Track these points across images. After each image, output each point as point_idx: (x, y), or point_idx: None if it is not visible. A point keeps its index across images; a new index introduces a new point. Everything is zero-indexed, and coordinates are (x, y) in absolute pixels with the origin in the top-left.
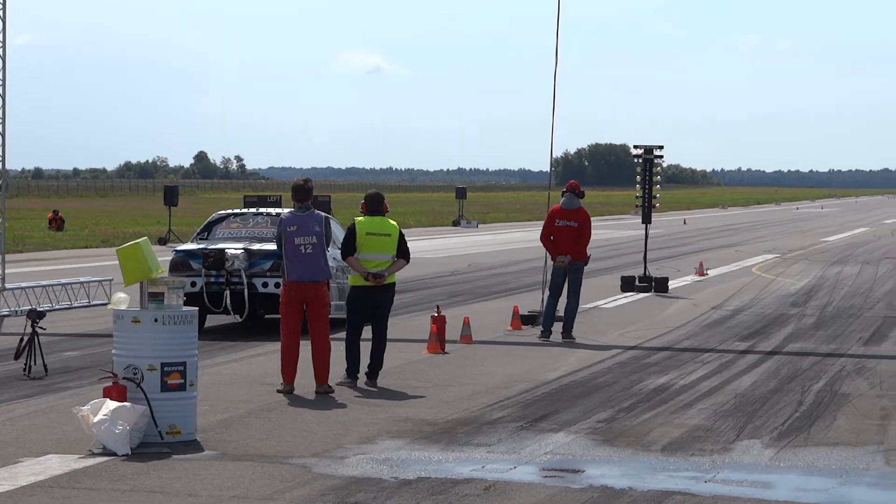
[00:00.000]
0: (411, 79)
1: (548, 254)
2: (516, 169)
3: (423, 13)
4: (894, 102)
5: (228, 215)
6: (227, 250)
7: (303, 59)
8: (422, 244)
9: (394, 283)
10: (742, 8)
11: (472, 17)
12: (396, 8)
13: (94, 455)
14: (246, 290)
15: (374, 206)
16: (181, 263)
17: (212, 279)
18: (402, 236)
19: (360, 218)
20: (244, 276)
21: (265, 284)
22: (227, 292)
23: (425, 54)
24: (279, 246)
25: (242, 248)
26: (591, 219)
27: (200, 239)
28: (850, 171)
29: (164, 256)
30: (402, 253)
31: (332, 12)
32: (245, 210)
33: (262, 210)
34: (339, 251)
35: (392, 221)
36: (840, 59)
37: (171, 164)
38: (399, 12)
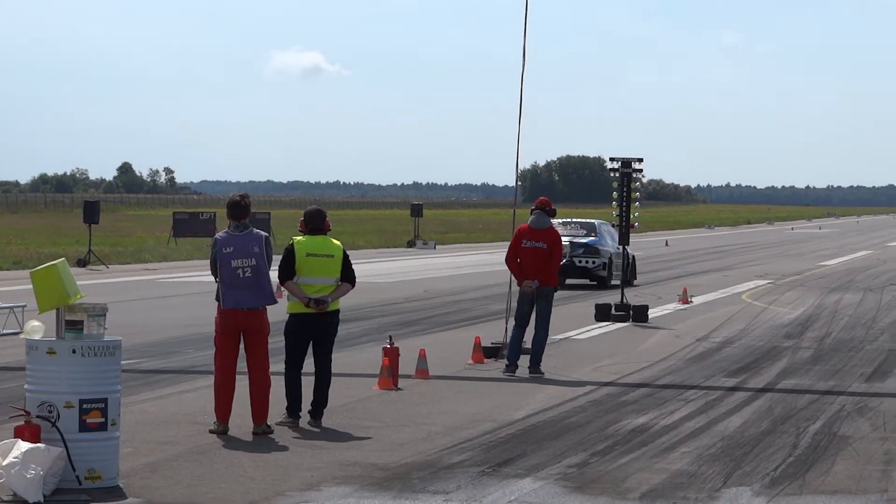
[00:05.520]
0: (357, 81)
1: (513, 278)
2: (478, 184)
3: (368, 5)
4: None
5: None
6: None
7: (232, 59)
8: (372, 267)
9: (338, 311)
10: (719, 4)
11: (426, 12)
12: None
13: (2, 502)
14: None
15: (315, 223)
16: None
17: None
18: (346, 257)
19: (299, 238)
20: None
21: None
22: None
23: (372, 52)
24: (214, 270)
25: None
26: (563, 239)
27: None
28: (850, 187)
29: (83, 280)
30: (347, 276)
31: (259, 3)
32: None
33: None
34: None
35: (335, 241)
36: (837, 61)
37: (92, 176)
38: (339, 3)
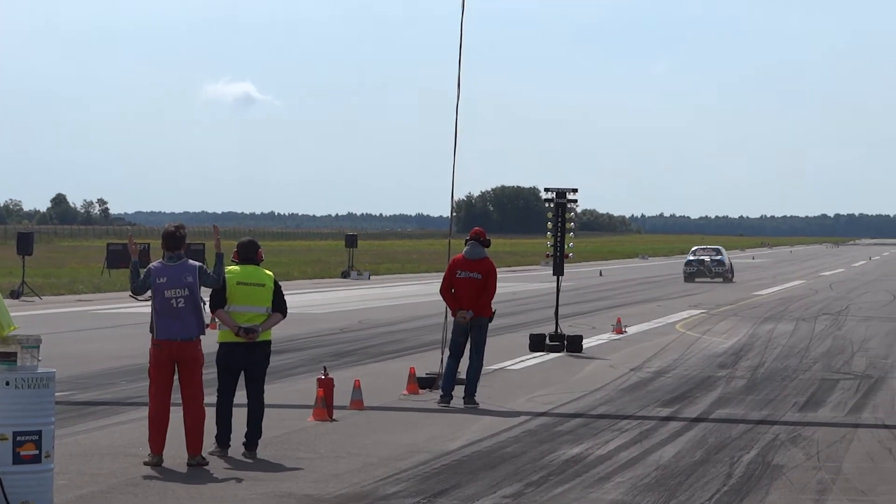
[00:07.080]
0: (290, 111)
1: (448, 309)
2: (413, 214)
3: (299, 33)
4: (832, 141)
5: (695, 249)
6: (704, 259)
7: (164, 90)
8: (307, 298)
9: (269, 341)
10: (649, 35)
11: (359, 42)
12: (266, 27)
13: None
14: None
15: (247, 254)
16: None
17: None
18: (278, 287)
19: (231, 266)
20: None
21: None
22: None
23: (304, 82)
24: (139, 285)
25: (709, 258)
26: (497, 270)
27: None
28: (784, 217)
29: (16, 312)
30: (279, 306)
31: (188, 33)
32: (704, 246)
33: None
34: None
35: (267, 271)
36: (769, 91)
37: (26, 207)
38: (269, 32)
